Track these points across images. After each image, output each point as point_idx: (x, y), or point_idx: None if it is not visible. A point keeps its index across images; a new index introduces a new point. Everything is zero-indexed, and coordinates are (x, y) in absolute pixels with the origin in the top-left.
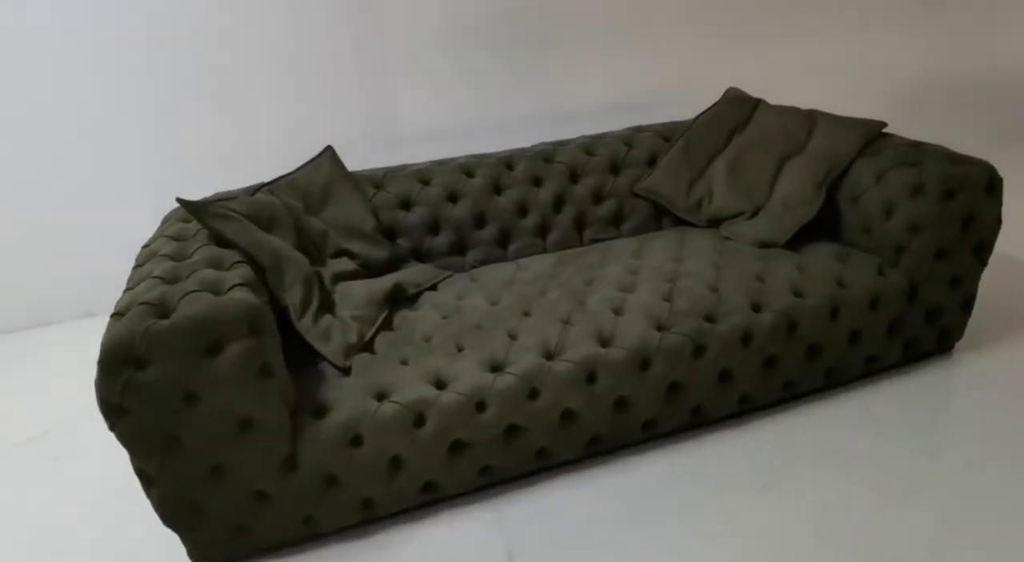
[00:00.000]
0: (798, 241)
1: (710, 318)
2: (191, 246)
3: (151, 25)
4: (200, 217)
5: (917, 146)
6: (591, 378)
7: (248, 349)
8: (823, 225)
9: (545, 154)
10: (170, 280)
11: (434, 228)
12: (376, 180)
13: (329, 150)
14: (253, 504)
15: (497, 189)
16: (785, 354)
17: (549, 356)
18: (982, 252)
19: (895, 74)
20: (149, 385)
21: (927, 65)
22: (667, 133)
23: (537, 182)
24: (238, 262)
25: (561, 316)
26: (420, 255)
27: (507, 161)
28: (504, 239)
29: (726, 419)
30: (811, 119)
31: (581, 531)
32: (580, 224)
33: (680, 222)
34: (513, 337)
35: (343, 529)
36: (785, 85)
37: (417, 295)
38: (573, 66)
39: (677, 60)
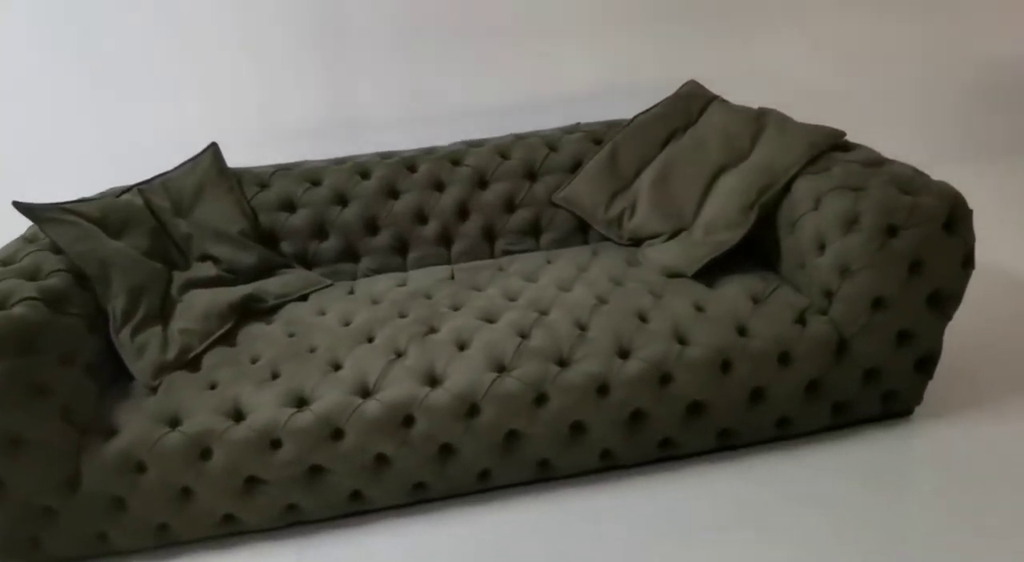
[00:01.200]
0: (726, 270)
1: (563, 362)
2: (24, 251)
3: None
4: (35, 221)
5: (872, 165)
6: (407, 421)
7: (12, 369)
8: (767, 252)
9: (454, 155)
10: None
11: (321, 233)
12: (263, 179)
13: (212, 147)
14: (41, 518)
15: (393, 193)
16: (657, 410)
17: (364, 393)
18: (942, 303)
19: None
20: None
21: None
22: (600, 135)
23: (439, 187)
24: (57, 271)
25: (399, 347)
26: (306, 261)
27: (409, 162)
28: (402, 247)
29: (585, 475)
30: (759, 123)
31: None
32: (490, 234)
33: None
34: (337, 367)
35: (142, 550)
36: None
37: (279, 306)
38: (547, 53)
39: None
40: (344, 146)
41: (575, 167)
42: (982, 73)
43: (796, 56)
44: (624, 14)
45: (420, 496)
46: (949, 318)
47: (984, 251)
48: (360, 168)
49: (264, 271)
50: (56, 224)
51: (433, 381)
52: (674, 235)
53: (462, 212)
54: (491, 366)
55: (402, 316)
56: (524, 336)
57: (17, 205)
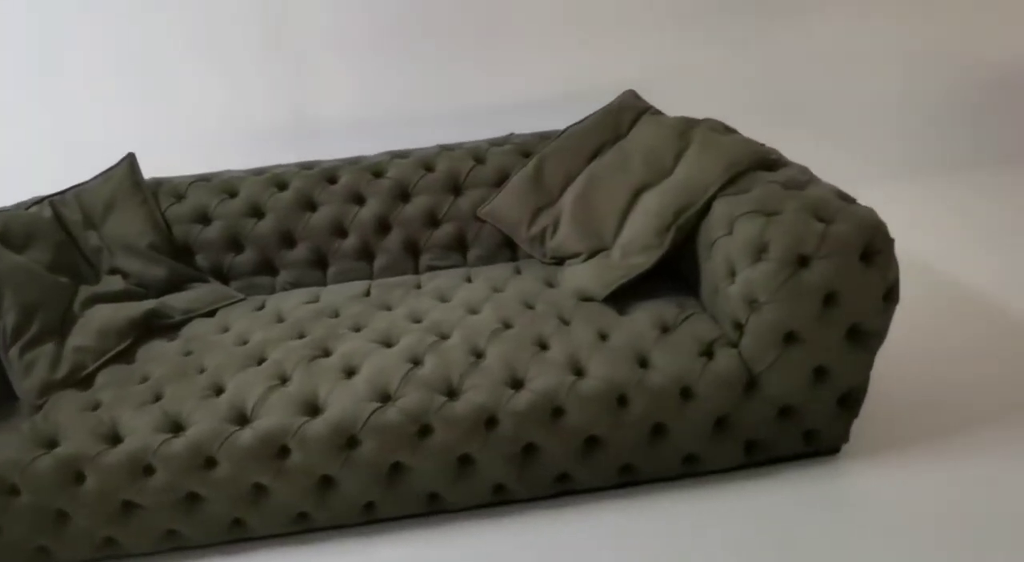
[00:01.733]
0: (643, 295)
1: (451, 392)
2: None
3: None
4: None
5: (794, 187)
6: (283, 452)
7: None
8: (689, 276)
9: (375, 167)
10: None
11: (236, 245)
12: (180, 190)
13: (128, 157)
14: None
15: (311, 205)
16: (550, 444)
17: (241, 421)
18: (864, 339)
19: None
20: None
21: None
22: (531, 147)
23: (359, 199)
24: None
25: (285, 371)
26: (222, 274)
27: (329, 174)
28: (321, 261)
29: (479, 508)
30: (685, 138)
31: None
32: (413, 249)
33: None
34: (219, 391)
35: None
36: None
37: (185, 322)
38: (520, 57)
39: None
40: (308, 150)
41: (501, 181)
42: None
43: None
44: (591, 16)
45: (304, 526)
46: (872, 354)
47: (940, 267)
48: (277, 180)
49: (175, 285)
50: None
51: (314, 410)
52: (592, 255)
53: (383, 226)
54: (374, 395)
55: (300, 336)
56: (416, 362)
57: None
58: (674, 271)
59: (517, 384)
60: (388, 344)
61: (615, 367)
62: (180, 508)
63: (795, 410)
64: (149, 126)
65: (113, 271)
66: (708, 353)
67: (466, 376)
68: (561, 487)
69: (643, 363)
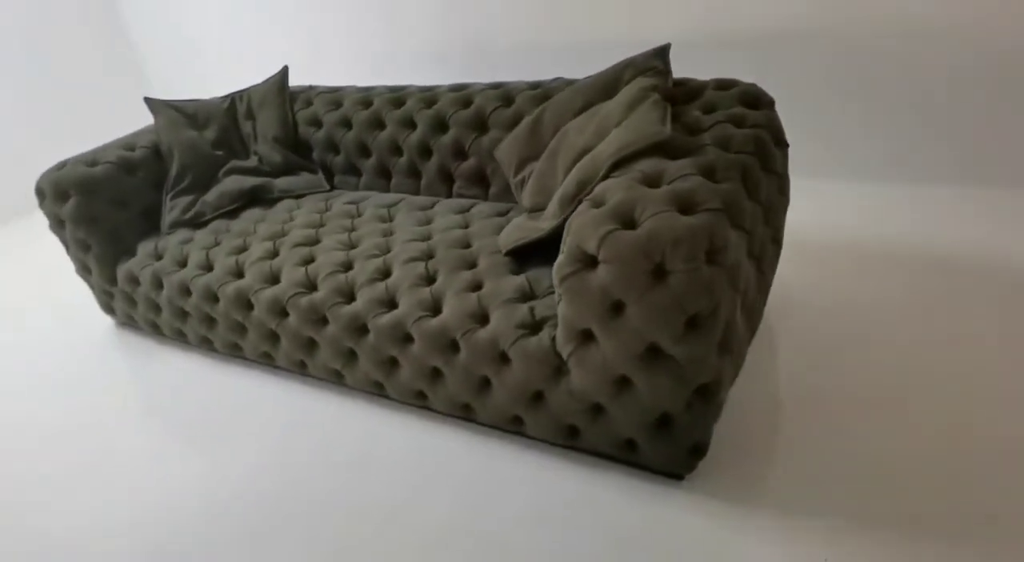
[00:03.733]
0: (551, 259)
1: (351, 296)
2: (143, 132)
3: None
4: (150, 111)
5: (648, 182)
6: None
7: (76, 203)
8: None
9: (429, 98)
10: (87, 157)
11: (334, 148)
12: (310, 98)
13: (283, 70)
14: None
15: (380, 124)
16: (405, 363)
17: (274, 281)
18: (667, 363)
19: None
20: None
21: None
22: (553, 93)
23: (411, 125)
24: (144, 147)
25: (302, 258)
26: (326, 167)
27: (396, 99)
28: (384, 172)
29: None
30: (634, 106)
31: None
32: (446, 176)
33: None
34: (272, 256)
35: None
36: None
37: (279, 199)
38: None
39: None
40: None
41: (511, 125)
42: None
43: None
44: None
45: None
46: (682, 384)
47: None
48: (362, 99)
49: (289, 170)
50: (158, 114)
51: (311, 286)
52: (534, 211)
53: (425, 151)
54: (301, 283)
55: (319, 226)
56: (347, 269)
57: (145, 99)
58: None
59: (392, 304)
60: (352, 247)
61: (457, 314)
62: (236, 329)
63: (606, 413)
64: (328, 43)
65: (255, 153)
66: (533, 327)
67: (359, 288)
68: (419, 402)
69: (483, 319)
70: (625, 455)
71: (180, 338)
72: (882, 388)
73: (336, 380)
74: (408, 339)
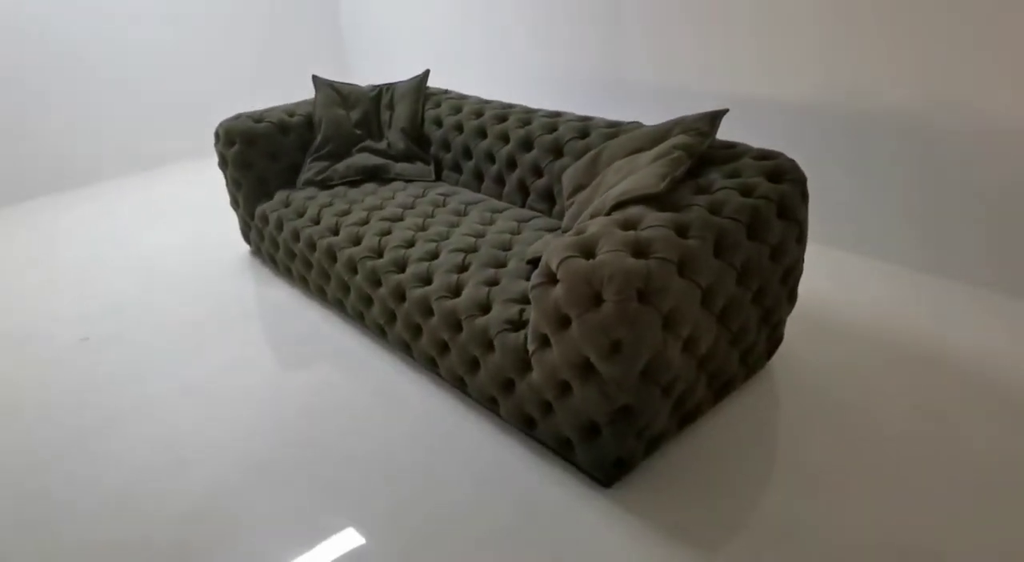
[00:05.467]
0: None
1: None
2: (305, 102)
3: None
4: (315, 86)
5: (624, 225)
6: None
7: (238, 151)
8: None
9: (525, 119)
10: (256, 114)
11: (447, 146)
12: (439, 100)
13: (424, 72)
14: None
15: (483, 134)
16: (428, 330)
17: (356, 242)
18: (598, 380)
19: None
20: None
21: None
22: (619, 133)
23: (506, 139)
24: (300, 115)
25: (382, 230)
26: (438, 161)
27: (501, 115)
28: (479, 175)
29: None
30: (663, 155)
31: None
32: (524, 188)
33: None
34: (363, 222)
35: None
36: None
37: (393, 179)
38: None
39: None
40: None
41: (581, 155)
42: None
43: None
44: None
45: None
46: (607, 398)
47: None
48: (475, 110)
49: (408, 157)
50: (319, 91)
51: (379, 253)
52: (564, 232)
53: (512, 163)
54: (373, 249)
55: (408, 208)
56: (409, 245)
57: (313, 77)
58: None
59: (427, 281)
60: (421, 229)
61: (469, 301)
62: (323, 275)
63: (554, 411)
64: (478, 59)
65: (386, 138)
66: (517, 325)
67: (410, 263)
68: (432, 368)
69: (485, 309)
70: (565, 452)
71: (287, 274)
72: (844, 471)
73: (381, 335)
74: (430, 312)
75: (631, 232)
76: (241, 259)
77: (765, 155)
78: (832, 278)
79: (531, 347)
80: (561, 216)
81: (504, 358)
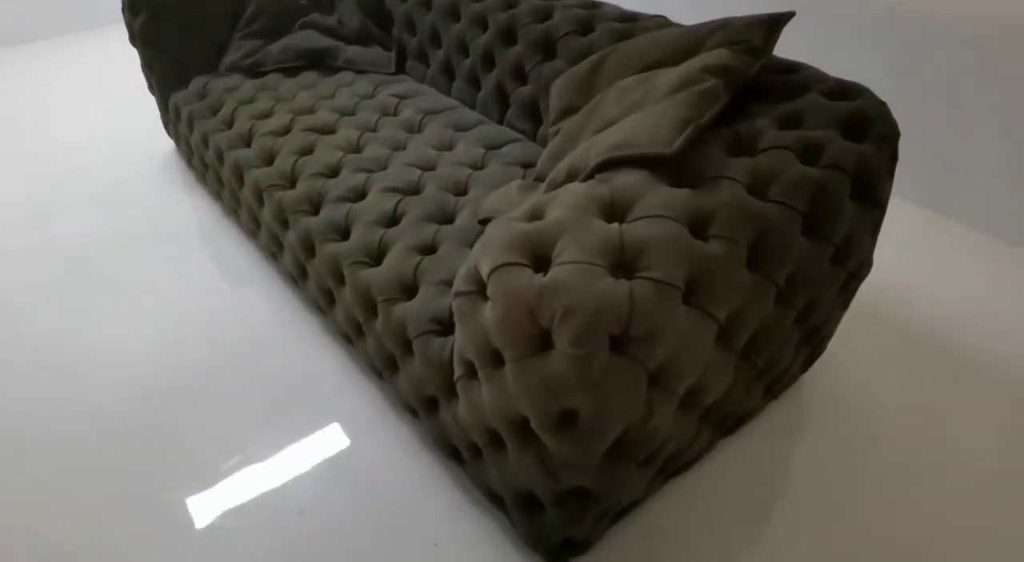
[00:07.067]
0: None
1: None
2: None
3: None
4: None
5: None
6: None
7: (145, 21)
8: None
9: (510, 0)
10: None
11: (411, 28)
12: None
13: None
14: None
15: (455, 15)
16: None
17: (268, 161)
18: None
19: None
20: None
21: None
22: (633, 34)
23: (483, 25)
24: None
25: (302, 147)
26: (401, 48)
27: None
28: (449, 71)
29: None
30: (691, 82)
31: None
32: (502, 97)
33: None
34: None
35: None
36: None
37: (341, 68)
38: None
39: None
40: None
41: (580, 59)
42: None
43: None
44: None
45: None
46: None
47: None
48: None
49: (362, 38)
50: None
51: (291, 182)
52: (538, 179)
53: (488, 61)
54: (285, 175)
55: (348, 114)
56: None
57: None
58: None
59: (345, 234)
60: (354, 150)
61: (389, 276)
62: (234, 198)
63: (483, 459)
64: None
65: (336, 12)
66: (447, 327)
67: (326, 203)
68: (349, 345)
69: (410, 292)
70: (498, 507)
71: (204, 183)
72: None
73: (295, 285)
74: (342, 281)
75: (615, 225)
76: (162, 157)
77: (841, 90)
78: (902, 246)
79: (457, 371)
80: (545, 143)
81: (426, 370)
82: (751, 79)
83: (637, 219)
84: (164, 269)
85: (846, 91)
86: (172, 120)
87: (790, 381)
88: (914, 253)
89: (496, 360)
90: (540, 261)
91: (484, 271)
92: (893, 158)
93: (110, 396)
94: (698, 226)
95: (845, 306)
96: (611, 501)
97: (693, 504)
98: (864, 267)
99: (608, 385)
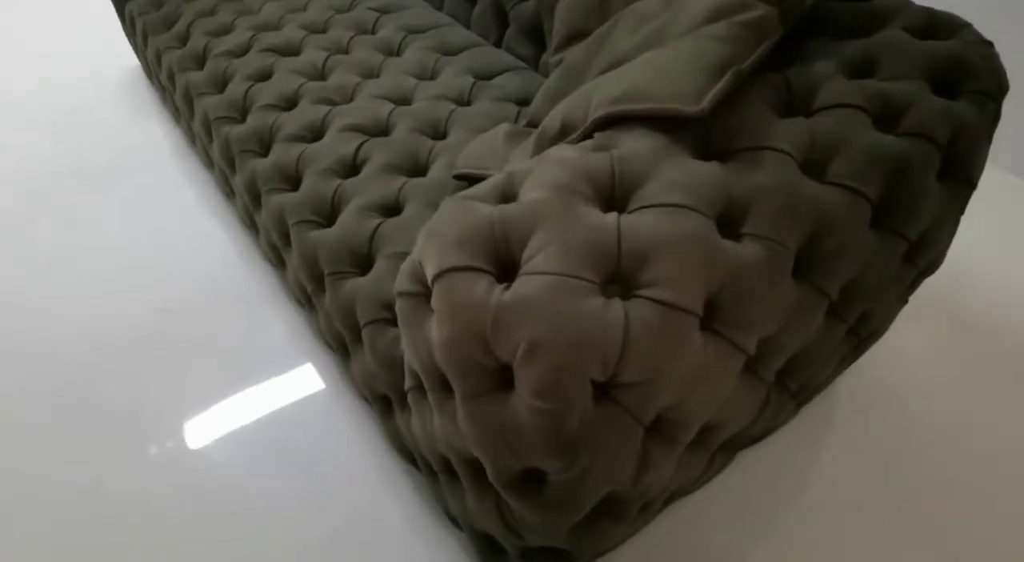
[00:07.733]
0: None
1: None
2: None
3: None
4: None
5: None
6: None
7: None
8: None
9: None
10: None
11: None
12: None
13: None
14: None
15: None
16: None
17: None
18: None
19: None
20: None
21: None
22: None
23: None
24: None
25: (259, 71)
26: None
27: None
28: None
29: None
30: (730, 10)
31: None
32: (501, 14)
33: None
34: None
35: None
36: None
37: None
38: None
39: None
40: None
41: None
42: None
43: None
44: None
45: None
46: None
47: None
48: None
49: None
50: None
51: (242, 114)
52: (530, 125)
53: None
54: (235, 106)
55: (317, 32)
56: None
57: None
58: None
59: (295, 184)
60: (318, 77)
61: (340, 242)
62: (189, 126)
63: (439, 482)
64: None
65: None
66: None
67: (276, 142)
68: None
69: (364, 266)
70: (457, 527)
71: (166, 105)
72: None
73: (251, 234)
74: (289, 241)
75: (612, 216)
76: (126, 75)
77: (932, 24)
78: (973, 216)
79: (407, 381)
80: (548, 74)
81: (376, 365)
82: (811, 6)
83: (644, 207)
84: (117, 206)
85: (938, 26)
86: (129, 32)
87: (823, 386)
88: (988, 228)
89: (445, 386)
90: (504, 265)
91: (428, 273)
92: (994, 120)
93: (45, 347)
94: (729, 220)
95: (903, 301)
96: (592, 554)
97: (696, 523)
98: (937, 262)
99: (588, 445)
